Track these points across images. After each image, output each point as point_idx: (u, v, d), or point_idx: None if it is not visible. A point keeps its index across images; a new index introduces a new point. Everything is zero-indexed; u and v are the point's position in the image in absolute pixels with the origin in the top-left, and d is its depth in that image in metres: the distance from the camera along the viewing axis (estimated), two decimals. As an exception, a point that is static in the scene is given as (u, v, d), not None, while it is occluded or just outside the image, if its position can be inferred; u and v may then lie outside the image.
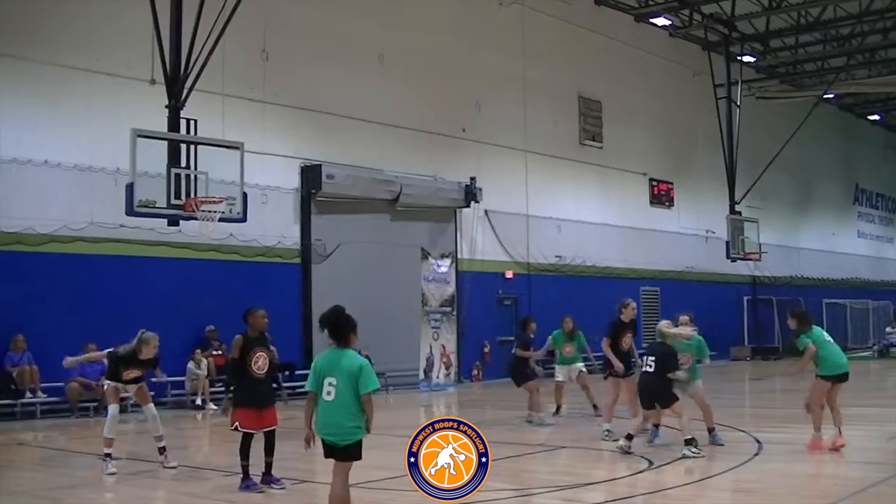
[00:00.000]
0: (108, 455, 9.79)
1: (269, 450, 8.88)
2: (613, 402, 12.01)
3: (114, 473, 9.61)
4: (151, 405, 10.20)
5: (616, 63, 29.11)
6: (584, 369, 14.71)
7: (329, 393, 6.49)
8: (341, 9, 21.29)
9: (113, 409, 9.98)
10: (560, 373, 14.93)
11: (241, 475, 8.74)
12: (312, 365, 6.75)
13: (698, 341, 11.21)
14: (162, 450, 10.10)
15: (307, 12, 20.62)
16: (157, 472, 9.92)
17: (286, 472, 9.91)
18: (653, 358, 10.40)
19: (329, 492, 6.59)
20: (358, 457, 6.56)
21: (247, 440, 8.77)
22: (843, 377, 10.57)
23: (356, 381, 6.43)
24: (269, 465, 8.88)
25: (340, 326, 6.61)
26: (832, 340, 10.73)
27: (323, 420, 6.52)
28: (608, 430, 11.72)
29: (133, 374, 10.08)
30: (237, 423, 8.74)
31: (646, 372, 10.44)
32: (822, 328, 10.94)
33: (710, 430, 10.89)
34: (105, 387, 10.36)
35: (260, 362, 8.80)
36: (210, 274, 18.32)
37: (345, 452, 6.52)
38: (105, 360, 10.20)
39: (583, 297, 25.82)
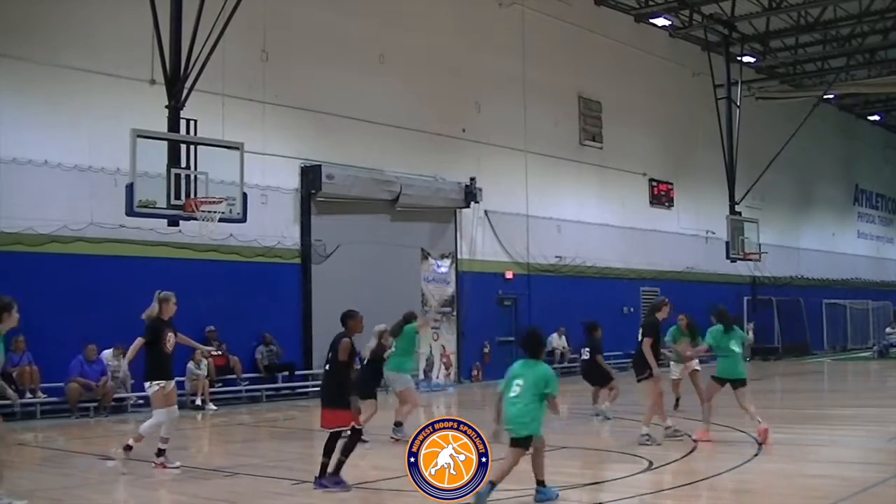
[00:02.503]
0: (162, 451, 9.89)
1: (332, 451, 8.77)
2: (657, 402, 11.76)
3: (178, 467, 9.77)
4: (175, 407, 10.16)
5: (616, 63, 29.11)
6: (699, 367, 14.51)
7: (515, 391, 7.86)
8: (341, 9, 21.29)
9: (159, 415, 9.92)
10: (675, 370, 14.94)
11: (320, 471, 8.69)
12: (509, 370, 8.21)
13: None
14: (162, 451, 10.10)
15: (307, 12, 20.62)
16: (157, 473, 9.91)
17: (287, 472, 9.93)
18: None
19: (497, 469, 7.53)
20: (526, 447, 7.76)
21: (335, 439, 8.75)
22: (735, 382, 11.48)
23: (544, 385, 7.85)
24: (339, 463, 8.68)
25: (533, 344, 8.33)
26: (738, 350, 11.56)
27: (508, 412, 7.83)
28: (673, 428, 11.71)
29: (172, 337, 10.07)
30: (353, 423, 8.69)
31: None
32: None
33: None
34: (154, 391, 9.97)
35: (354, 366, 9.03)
36: (210, 274, 18.31)
37: (516, 442, 7.73)
38: (141, 342, 10.00)
39: (583, 297, 25.87)
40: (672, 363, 14.90)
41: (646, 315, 12.27)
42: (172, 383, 10.23)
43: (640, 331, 12.04)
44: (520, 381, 7.93)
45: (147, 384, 10.03)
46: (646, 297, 29.57)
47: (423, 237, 23.18)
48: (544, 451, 8.03)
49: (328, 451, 8.66)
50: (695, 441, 11.25)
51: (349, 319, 9.21)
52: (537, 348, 8.34)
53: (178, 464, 10.07)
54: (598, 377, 14.69)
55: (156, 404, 10.02)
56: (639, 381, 11.98)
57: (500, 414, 7.88)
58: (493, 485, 7.33)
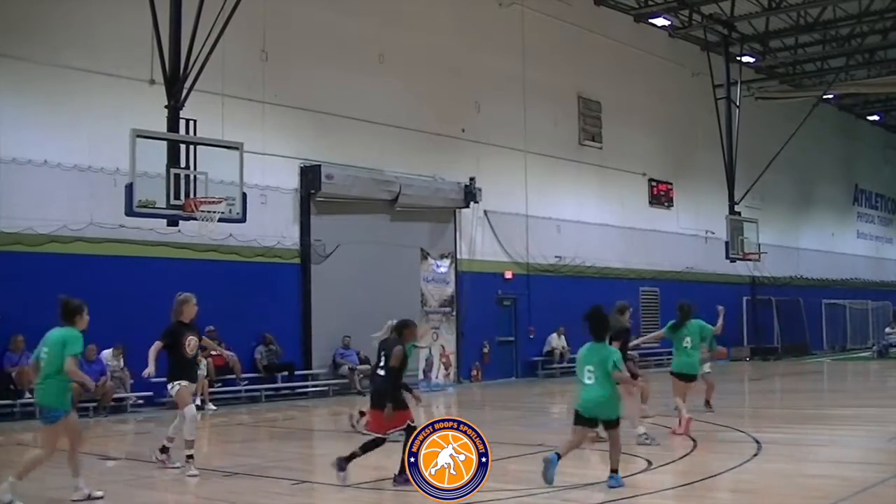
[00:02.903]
0: (190, 457, 9.76)
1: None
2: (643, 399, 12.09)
3: (196, 475, 9.56)
4: (193, 406, 10.10)
5: (615, 63, 29.11)
6: (709, 370, 14.76)
7: (589, 378, 8.38)
8: (341, 9, 21.29)
9: (191, 409, 9.85)
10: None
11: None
12: (578, 355, 8.65)
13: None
14: (166, 449, 10.09)
15: (307, 12, 20.62)
16: (156, 473, 9.91)
17: (287, 472, 9.93)
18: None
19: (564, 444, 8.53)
20: (617, 425, 8.50)
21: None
22: (683, 377, 12.29)
23: (607, 367, 8.28)
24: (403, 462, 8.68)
25: (597, 325, 8.52)
26: (690, 346, 12.36)
27: (585, 397, 8.41)
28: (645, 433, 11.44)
29: (193, 340, 10.00)
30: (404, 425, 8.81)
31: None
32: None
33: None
34: (176, 390, 9.95)
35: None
36: (209, 274, 18.29)
37: (607, 423, 8.46)
38: (159, 346, 9.89)
39: (582, 297, 25.73)
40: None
41: (611, 317, 12.20)
42: (195, 386, 10.18)
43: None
44: (590, 367, 8.35)
45: (169, 386, 9.95)
46: (645, 297, 29.60)
47: (422, 237, 23.18)
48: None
49: (368, 448, 8.92)
50: (673, 433, 11.86)
51: (405, 329, 9.38)
52: (602, 330, 8.58)
53: (179, 464, 10.04)
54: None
55: (182, 402, 9.95)
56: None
57: None
58: (559, 457, 8.26)
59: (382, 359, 9.12)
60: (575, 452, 11.04)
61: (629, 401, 11.55)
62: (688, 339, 12.55)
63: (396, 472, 8.61)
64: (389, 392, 8.89)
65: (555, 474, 8.29)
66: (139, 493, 9.14)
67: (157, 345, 9.89)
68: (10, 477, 8.08)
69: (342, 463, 8.81)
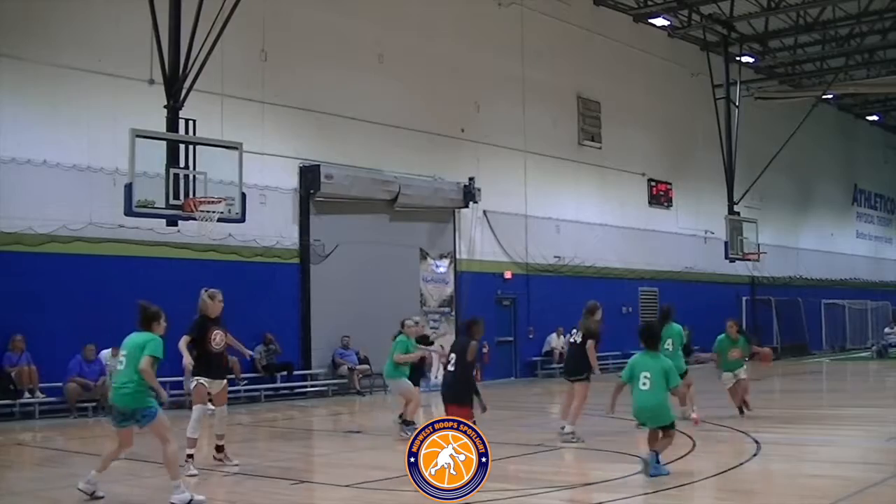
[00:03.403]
0: (190, 456, 9.78)
1: None
2: (578, 404, 11.88)
3: (195, 475, 9.53)
4: (225, 407, 10.14)
5: (615, 63, 29.12)
6: (745, 375, 14.16)
7: (644, 384, 8.69)
8: (340, 9, 21.29)
9: (199, 409, 9.88)
10: (727, 378, 14.12)
11: None
12: (629, 362, 9.03)
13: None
14: (221, 448, 10.17)
15: (306, 13, 20.62)
16: (156, 473, 9.89)
17: (286, 472, 9.92)
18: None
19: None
20: (672, 427, 8.95)
21: None
22: None
23: (667, 377, 8.73)
24: None
25: (652, 337, 9.12)
26: (672, 349, 12.92)
27: (641, 405, 8.80)
28: (572, 432, 11.66)
29: (219, 335, 9.99)
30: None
31: None
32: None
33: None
34: (193, 385, 10.03)
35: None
36: (209, 274, 18.20)
37: (667, 428, 8.85)
38: (187, 339, 9.92)
39: (581, 297, 25.54)
40: (723, 372, 14.19)
41: (583, 317, 12.30)
42: (223, 383, 10.14)
43: (580, 333, 12.14)
44: (647, 374, 8.70)
45: (189, 379, 10.01)
46: (644, 297, 29.61)
47: (421, 237, 23.17)
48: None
49: None
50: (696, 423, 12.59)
51: (473, 325, 9.88)
52: (656, 341, 9.21)
53: (236, 462, 10.07)
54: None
55: (195, 399, 10.00)
56: (574, 381, 12.04)
57: (614, 402, 9.06)
58: (657, 454, 8.62)
59: (453, 356, 9.64)
60: (573, 453, 11.08)
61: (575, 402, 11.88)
62: (669, 341, 13.03)
63: None
64: (460, 388, 9.38)
65: (659, 471, 8.64)
66: (139, 493, 9.13)
67: (185, 338, 9.94)
68: (175, 481, 8.06)
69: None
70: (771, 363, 16.07)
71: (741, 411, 13.96)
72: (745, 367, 14.16)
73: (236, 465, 10.04)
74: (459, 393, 9.40)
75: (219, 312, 10.12)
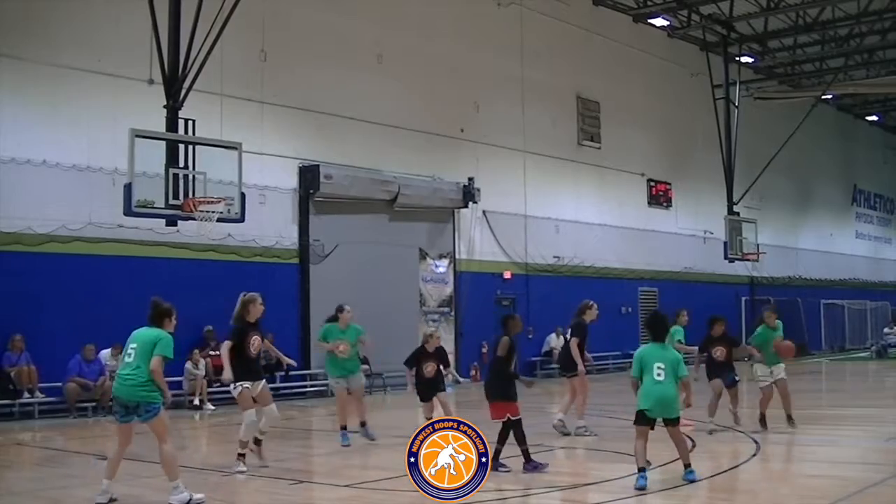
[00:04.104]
0: (242, 455, 9.81)
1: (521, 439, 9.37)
2: (582, 398, 12.34)
3: (244, 471, 9.61)
4: (272, 406, 10.07)
5: (614, 63, 29.12)
6: (784, 375, 12.71)
7: (659, 375, 8.41)
8: (340, 9, 21.29)
9: (249, 414, 9.80)
10: (762, 372, 12.81)
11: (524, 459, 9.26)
12: (636, 355, 8.67)
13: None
14: (258, 442, 10.12)
15: (306, 13, 20.62)
16: (154, 473, 9.88)
17: (286, 472, 9.92)
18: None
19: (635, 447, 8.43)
20: (677, 423, 8.56)
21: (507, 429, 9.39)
22: None
23: (676, 368, 8.47)
24: (523, 453, 9.28)
25: (661, 328, 8.83)
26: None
27: (658, 396, 8.39)
28: (584, 426, 12.17)
29: (257, 340, 9.94)
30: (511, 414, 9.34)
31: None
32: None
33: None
34: (237, 391, 9.87)
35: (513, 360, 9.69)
36: (208, 274, 18.29)
37: (674, 421, 8.51)
38: (229, 345, 9.85)
39: (581, 297, 25.56)
40: (757, 365, 12.91)
41: (574, 316, 12.54)
42: (262, 383, 10.06)
43: (569, 331, 12.61)
44: (660, 364, 8.46)
45: (232, 386, 9.89)
46: (644, 297, 29.61)
47: (421, 237, 23.18)
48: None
49: (502, 439, 9.30)
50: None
51: (509, 320, 9.97)
52: (664, 332, 8.95)
53: (243, 468, 9.92)
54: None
55: (242, 405, 9.90)
56: (569, 377, 12.46)
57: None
58: (644, 470, 8.28)
59: (492, 354, 9.80)
60: (572, 453, 11.08)
61: (578, 398, 12.25)
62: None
63: (524, 461, 9.18)
64: (498, 384, 9.49)
65: (693, 477, 8.54)
66: (138, 493, 9.13)
67: (227, 344, 9.88)
68: (174, 482, 8.06)
69: (496, 464, 8.99)
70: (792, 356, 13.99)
71: (763, 422, 12.26)
72: (783, 364, 12.72)
73: (242, 470, 9.94)
74: (498, 388, 9.50)
75: (259, 316, 10.02)
